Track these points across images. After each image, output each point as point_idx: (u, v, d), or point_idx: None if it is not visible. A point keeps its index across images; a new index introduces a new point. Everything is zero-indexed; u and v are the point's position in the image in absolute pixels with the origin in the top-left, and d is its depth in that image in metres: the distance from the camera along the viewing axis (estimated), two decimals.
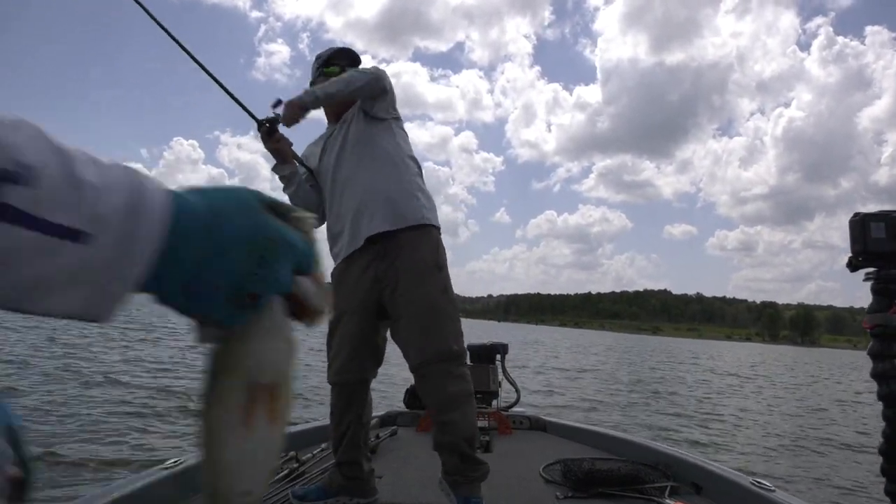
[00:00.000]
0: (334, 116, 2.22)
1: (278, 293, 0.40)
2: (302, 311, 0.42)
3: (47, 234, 0.31)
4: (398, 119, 2.15)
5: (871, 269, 1.75)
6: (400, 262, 1.95)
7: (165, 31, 1.85)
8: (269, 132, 2.00)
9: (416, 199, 2.02)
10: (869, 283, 1.76)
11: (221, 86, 1.95)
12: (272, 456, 0.42)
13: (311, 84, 2.20)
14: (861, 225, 1.71)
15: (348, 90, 2.02)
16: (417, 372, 1.95)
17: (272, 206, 0.40)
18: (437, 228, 2.05)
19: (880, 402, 1.75)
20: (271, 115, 1.99)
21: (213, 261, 0.37)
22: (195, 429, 0.42)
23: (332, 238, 2.11)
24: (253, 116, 1.99)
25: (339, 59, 2.20)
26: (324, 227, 2.17)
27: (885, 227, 1.69)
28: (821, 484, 4.94)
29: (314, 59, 2.25)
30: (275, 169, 2.11)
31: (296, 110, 1.97)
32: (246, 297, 0.38)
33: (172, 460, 2.15)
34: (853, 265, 1.77)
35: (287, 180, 2.12)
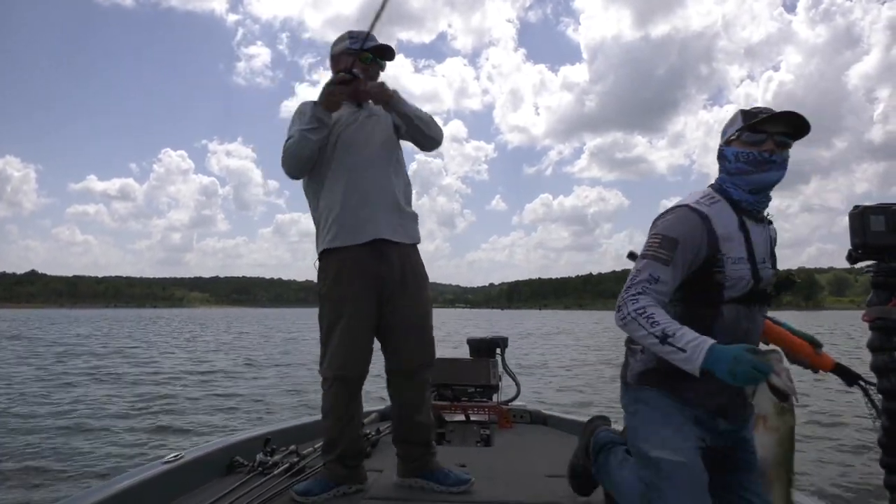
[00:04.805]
0: (354, 100, 2.18)
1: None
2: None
3: None
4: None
5: (870, 263, 1.75)
6: (403, 269, 2.10)
7: None
8: (349, 80, 2.00)
9: (417, 222, 2.22)
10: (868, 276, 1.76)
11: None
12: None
13: (332, 57, 2.21)
14: (861, 218, 1.71)
15: (424, 130, 2.17)
16: (405, 374, 2.14)
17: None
18: None
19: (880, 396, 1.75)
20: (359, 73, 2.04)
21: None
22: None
23: (331, 210, 2.08)
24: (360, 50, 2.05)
25: (374, 53, 2.15)
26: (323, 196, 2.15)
27: (885, 221, 1.68)
28: (823, 477, 4.95)
29: (348, 35, 2.17)
30: (319, 112, 2.02)
31: (386, 96, 2.08)
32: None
33: (173, 454, 2.16)
34: (853, 258, 1.76)
35: (322, 124, 2.04)
